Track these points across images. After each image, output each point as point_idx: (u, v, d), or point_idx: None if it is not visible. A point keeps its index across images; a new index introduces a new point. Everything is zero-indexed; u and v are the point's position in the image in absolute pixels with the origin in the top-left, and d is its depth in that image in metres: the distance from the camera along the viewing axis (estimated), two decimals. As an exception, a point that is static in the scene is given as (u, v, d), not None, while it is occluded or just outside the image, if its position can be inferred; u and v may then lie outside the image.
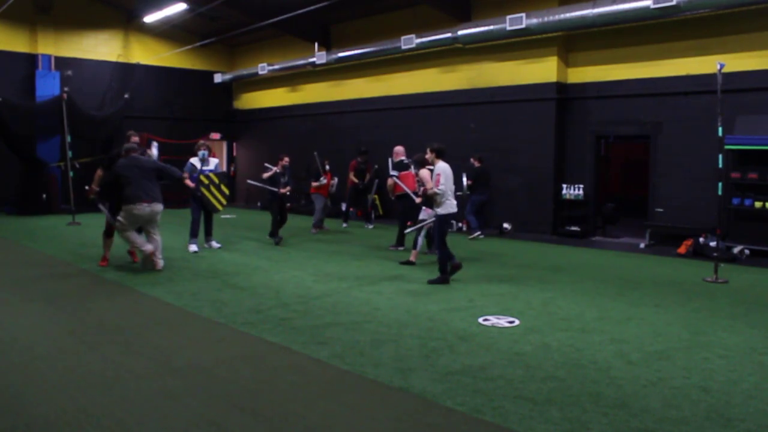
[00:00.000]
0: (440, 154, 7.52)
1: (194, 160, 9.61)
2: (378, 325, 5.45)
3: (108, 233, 8.39)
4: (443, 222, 7.43)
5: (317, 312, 5.93)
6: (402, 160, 10.03)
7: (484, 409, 3.63)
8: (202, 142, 9.89)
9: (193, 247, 9.61)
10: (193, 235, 9.68)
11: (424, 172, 8.40)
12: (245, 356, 4.65)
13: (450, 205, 7.41)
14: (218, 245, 9.94)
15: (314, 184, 12.52)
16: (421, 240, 8.79)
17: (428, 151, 7.56)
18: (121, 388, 3.95)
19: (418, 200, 8.81)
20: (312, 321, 5.61)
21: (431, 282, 7.29)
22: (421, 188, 8.21)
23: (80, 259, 8.81)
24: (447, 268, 7.35)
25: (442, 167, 7.41)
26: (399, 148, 10.32)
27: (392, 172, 9.91)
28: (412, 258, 8.66)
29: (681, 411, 3.62)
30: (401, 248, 9.98)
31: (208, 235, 10.02)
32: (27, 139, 15.32)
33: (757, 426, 3.43)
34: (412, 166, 9.33)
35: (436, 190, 7.26)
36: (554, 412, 3.59)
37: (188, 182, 8.99)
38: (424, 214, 8.72)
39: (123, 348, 4.79)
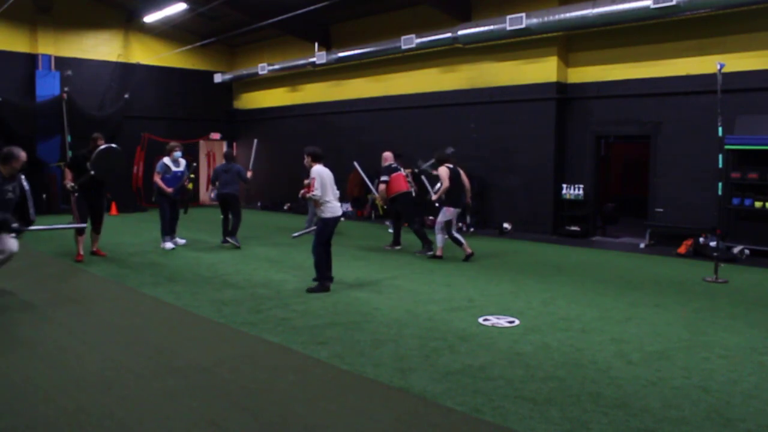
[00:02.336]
0: (316, 158, 7.11)
1: (167, 161, 9.69)
2: (378, 325, 5.45)
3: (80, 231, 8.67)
4: (326, 225, 7.03)
5: (317, 312, 5.93)
6: (390, 165, 10.18)
7: (484, 409, 3.63)
8: (175, 143, 10.02)
9: (169, 245, 9.75)
10: (167, 233, 9.81)
11: (442, 170, 8.94)
12: (245, 356, 4.65)
13: (333, 209, 7.02)
14: (178, 242, 10.17)
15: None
16: (441, 235, 9.00)
17: (305, 155, 7.19)
18: (121, 388, 3.95)
19: (433, 198, 9.15)
20: (312, 321, 5.61)
21: (310, 290, 6.82)
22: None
23: (80, 259, 8.81)
24: (325, 273, 6.98)
25: (318, 170, 6.96)
26: (387, 154, 10.41)
27: (382, 177, 10.04)
28: (438, 252, 9.05)
29: (681, 411, 3.62)
30: (398, 247, 10.16)
31: (172, 232, 10.08)
32: (27, 139, 15.30)
33: (757, 426, 3.43)
34: (431, 162, 9.88)
35: (311, 194, 6.95)
36: (554, 412, 3.59)
37: (160, 182, 9.55)
38: (444, 215, 8.93)
39: (123, 348, 4.79)
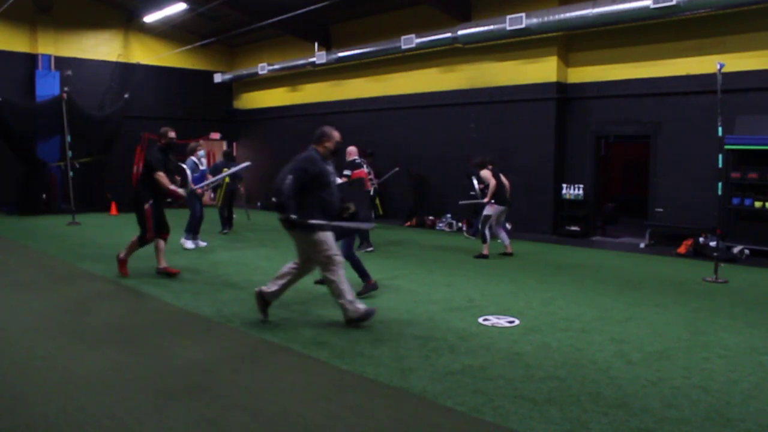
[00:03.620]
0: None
1: (195, 159, 9.94)
2: (378, 325, 5.45)
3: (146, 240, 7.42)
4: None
5: (317, 312, 5.93)
6: (354, 160, 10.12)
7: (484, 409, 3.63)
8: (197, 143, 10.20)
9: (190, 244, 9.85)
10: (192, 231, 9.89)
11: (485, 173, 9.43)
12: (245, 356, 4.65)
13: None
14: (200, 244, 10.11)
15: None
16: (488, 233, 9.36)
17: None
18: (121, 388, 3.94)
19: (485, 200, 9.44)
20: (312, 321, 5.61)
21: (360, 294, 6.38)
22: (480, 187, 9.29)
23: (80, 259, 8.81)
24: (365, 272, 6.67)
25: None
26: (352, 149, 10.36)
27: (345, 171, 10.08)
28: (485, 251, 9.27)
29: (681, 411, 3.62)
30: (369, 249, 9.98)
31: (196, 233, 10.15)
32: (27, 139, 15.32)
33: (757, 426, 3.43)
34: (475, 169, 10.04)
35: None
36: (554, 412, 3.59)
37: (188, 185, 9.32)
38: (488, 210, 9.37)
39: (123, 348, 4.79)
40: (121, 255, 7.59)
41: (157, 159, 7.33)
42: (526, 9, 11.42)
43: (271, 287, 5.51)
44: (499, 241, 9.80)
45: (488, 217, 9.38)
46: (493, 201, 9.36)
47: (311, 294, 6.72)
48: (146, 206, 7.27)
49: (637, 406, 3.69)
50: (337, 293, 5.31)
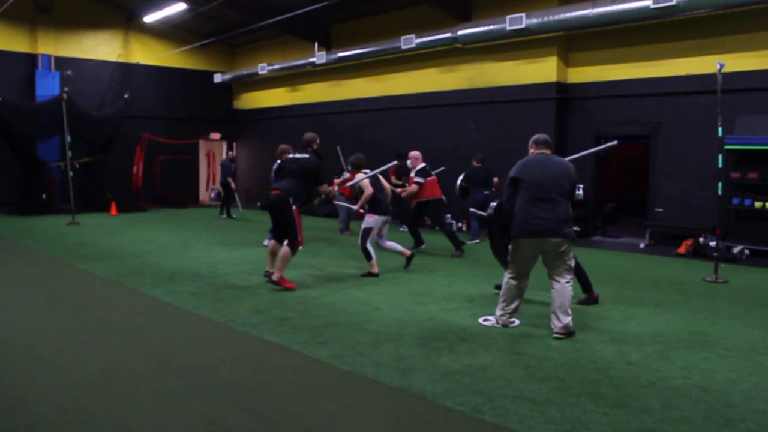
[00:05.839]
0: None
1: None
2: (378, 325, 5.45)
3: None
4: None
5: (317, 312, 5.93)
6: (425, 167, 9.76)
7: (484, 409, 3.63)
8: (285, 146, 9.68)
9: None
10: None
11: (359, 177, 8.01)
12: (245, 356, 4.65)
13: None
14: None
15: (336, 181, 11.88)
16: (371, 248, 7.86)
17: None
18: (121, 388, 3.94)
19: (354, 208, 8.55)
20: (312, 321, 5.61)
21: (582, 302, 6.20)
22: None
23: (80, 259, 8.81)
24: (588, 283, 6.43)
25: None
26: (417, 153, 9.87)
27: (418, 179, 9.64)
28: (373, 269, 7.80)
29: (681, 411, 3.62)
30: (423, 246, 10.01)
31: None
32: (27, 139, 15.33)
33: (757, 426, 3.43)
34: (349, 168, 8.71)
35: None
36: (554, 412, 3.59)
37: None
38: (370, 221, 7.95)
39: (123, 348, 4.79)
40: (275, 277, 6.71)
41: (322, 169, 6.71)
42: (526, 9, 11.42)
43: (507, 320, 5.48)
44: (391, 251, 8.29)
45: (368, 230, 7.80)
46: (368, 209, 7.93)
47: (311, 294, 6.72)
48: (295, 207, 6.62)
49: (637, 406, 3.69)
50: (569, 301, 5.19)
